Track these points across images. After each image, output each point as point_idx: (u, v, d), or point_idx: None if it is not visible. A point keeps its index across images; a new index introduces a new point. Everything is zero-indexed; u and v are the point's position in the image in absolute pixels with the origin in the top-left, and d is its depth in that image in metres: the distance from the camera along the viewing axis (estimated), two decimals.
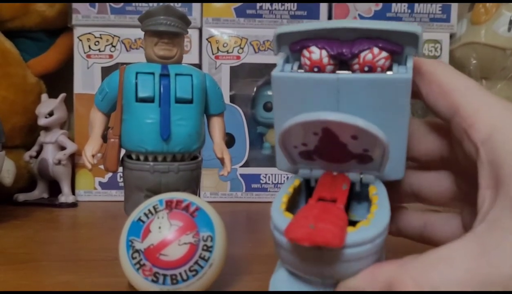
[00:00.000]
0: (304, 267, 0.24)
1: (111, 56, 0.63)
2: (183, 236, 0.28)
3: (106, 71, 0.63)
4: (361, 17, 0.64)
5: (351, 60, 0.25)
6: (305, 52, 0.26)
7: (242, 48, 0.63)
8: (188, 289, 0.28)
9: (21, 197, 0.60)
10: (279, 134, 0.25)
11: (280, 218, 0.24)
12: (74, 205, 0.60)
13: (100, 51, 0.63)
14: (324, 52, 0.25)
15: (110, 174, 0.64)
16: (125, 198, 0.34)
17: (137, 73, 0.32)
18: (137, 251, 0.28)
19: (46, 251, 0.41)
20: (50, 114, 0.60)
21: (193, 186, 0.34)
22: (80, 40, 0.63)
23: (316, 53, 0.25)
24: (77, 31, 0.63)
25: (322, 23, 0.26)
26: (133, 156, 0.33)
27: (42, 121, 0.60)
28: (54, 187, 0.62)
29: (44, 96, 0.62)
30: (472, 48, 0.64)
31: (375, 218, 0.24)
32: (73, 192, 0.62)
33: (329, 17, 0.65)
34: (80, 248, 0.42)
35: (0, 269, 0.36)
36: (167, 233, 0.28)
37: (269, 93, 0.67)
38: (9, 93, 0.60)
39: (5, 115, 0.56)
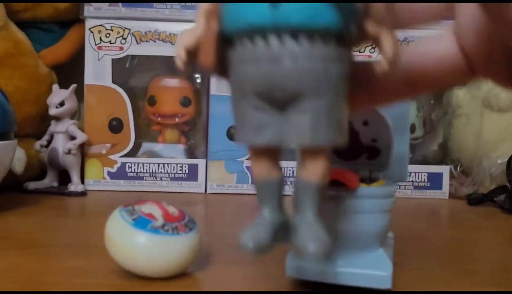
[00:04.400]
0: None
1: (121, 48, 0.64)
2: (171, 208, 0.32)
3: (116, 63, 0.64)
4: None
5: None
6: None
7: None
8: (171, 239, 0.30)
9: (31, 185, 0.61)
10: None
11: None
12: (83, 194, 0.61)
13: (111, 43, 0.64)
14: None
15: (119, 164, 0.65)
16: (232, 115, 0.22)
17: None
18: (131, 211, 0.31)
19: (56, 237, 0.42)
20: (61, 104, 0.61)
21: (330, 91, 0.20)
22: (91, 32, 0.64)
23: None
24: (89, 23, 0.64)
25: None
26: (238, 44, 0.21)
27: (53, 111, 0.61)
28: (64, 176, 0.63)
29: (55, 87, 0.63)
30: None
31: (386, 183, 0.29)
32: (82, 181, 0.63)
33: None
34: (89, 234, 0.43)
35: (13, 253, 0.37)
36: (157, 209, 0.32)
37: None
38: (22, 82, 0.61)
39: (18, 104, 0.57)
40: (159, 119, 0.67)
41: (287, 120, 0.20)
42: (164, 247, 0.30)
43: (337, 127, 0.20)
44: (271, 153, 0.22)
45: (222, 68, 0.22)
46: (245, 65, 0.20)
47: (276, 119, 0.20)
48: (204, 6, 0.22)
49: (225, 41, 0.21)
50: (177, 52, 0.22)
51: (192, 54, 0.22)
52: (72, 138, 0.62)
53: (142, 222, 0.30)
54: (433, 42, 0.23)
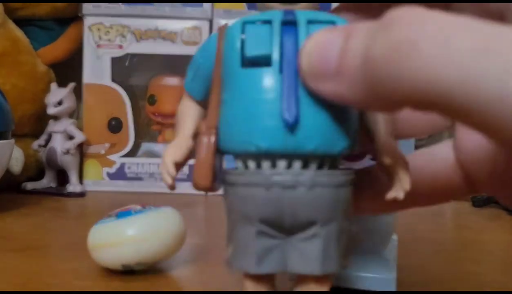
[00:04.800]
0: None
1: (121, 47, 0.63)
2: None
3: (116, 62, 0.64)
4: None
5: None
6: None
7: None
8: (156, 212, 0.32)
9: (29, 185, 0.60)
10: None
11: None
12: (82, 194, 0.60)
13: (110, 41, 0.63)
14: None
15: (118, 164, 0.64)
16: (227, 236, 0.20)
17: (244, 23, 0.19)
18: (108, 216, 0.33)
19: (55, 238, 0.42)
20: (59, 103, 0.60)
21: (339, 216, 0.19)
22: (91, 30, 0.63)
23: None
24: (88, 21, 0.63)
25: None
26: (239, 163, 0.20)
27: (51, 110, 0.60)
28: (62, 176, 0.62)
29: (54, 85, 0.63)
30: None
31: None
32: (81, 182, 0.63)
33: None
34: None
35: (10, 255, 0.36)
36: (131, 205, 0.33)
37: None
38: (19, 81, 0.61)
39: (15, 103, 0.57)
40: (159, 118, 0.66)
41: (293, 246, 0.19)
42: (154, 219, 0.31)
43: (344, 251, 0.19)
44: (270, 278, 0.20)
45: (216, 182, 0.20)
46: (250, 190, 0.19)
47: (281, 245, 0.19)
48: (198, 116, 0.20)
49: (221, 154, 0.20)
50: (164, 166, 0.20)
51: (181, 165, 0.20)
52: (71, 137, 0.61)
53: (124, 213, 0.32)
54: (429, 158, 0.21)
